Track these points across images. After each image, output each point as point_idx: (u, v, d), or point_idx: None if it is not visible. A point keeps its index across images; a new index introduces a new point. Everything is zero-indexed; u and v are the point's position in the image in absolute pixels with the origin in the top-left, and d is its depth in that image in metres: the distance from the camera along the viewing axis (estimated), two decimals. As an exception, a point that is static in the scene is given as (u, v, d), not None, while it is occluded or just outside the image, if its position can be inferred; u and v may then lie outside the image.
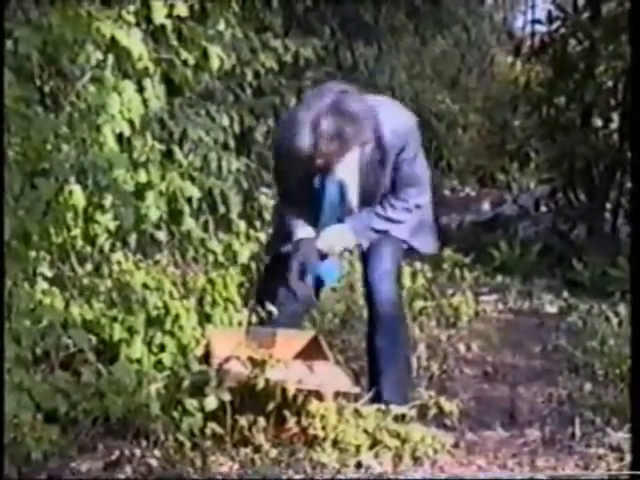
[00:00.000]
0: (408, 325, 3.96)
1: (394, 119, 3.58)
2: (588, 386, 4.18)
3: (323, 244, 3.64)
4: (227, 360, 3.35)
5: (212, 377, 3.23)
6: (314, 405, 3.28)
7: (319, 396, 3.31)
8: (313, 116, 3.35)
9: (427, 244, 3.91)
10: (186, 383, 3.27)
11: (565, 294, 6.41)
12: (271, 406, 3.21)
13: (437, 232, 3.97)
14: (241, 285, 4.18)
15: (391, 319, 3.67)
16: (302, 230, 3.63)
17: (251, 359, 3.28)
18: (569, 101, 8.21)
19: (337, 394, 3.38)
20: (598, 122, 8.10)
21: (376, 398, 3.57)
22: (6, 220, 3.14)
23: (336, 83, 3.60)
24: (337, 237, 3.66)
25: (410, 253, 3.97)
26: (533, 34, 8.68)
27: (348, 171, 3.57)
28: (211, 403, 3.19)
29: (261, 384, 3.20)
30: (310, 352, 3.68)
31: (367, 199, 3.66)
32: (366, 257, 3.75)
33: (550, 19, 8.19)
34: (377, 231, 3.67)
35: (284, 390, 3.20)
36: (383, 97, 3.93)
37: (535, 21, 9.03)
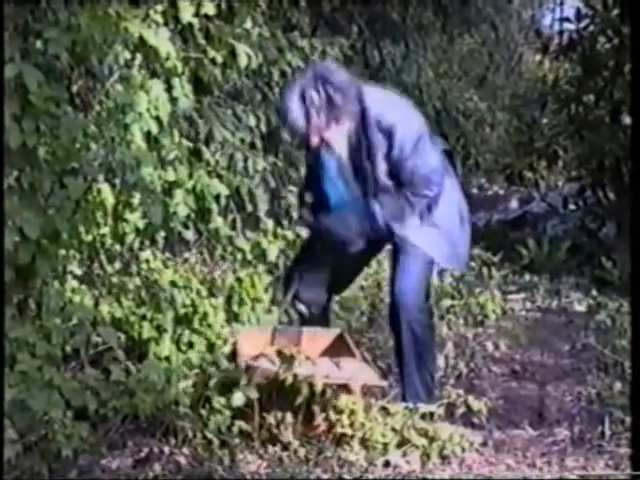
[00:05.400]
0: (435, 331, 3.92)
1: (381, 107, 3.58)
2: (618, 385, 4.13)
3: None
4: (254, 359, 3.36)
5: (240, 375, 3.25)
6: (342, 400, 3.28)
7: (347, 390, 3.31)
8: (300, 89, 3.47)
9: (447, 259, 3.81)
10: (214, 381, 3.28)
11: (594, 292, 6.35)
12: (299, 401, 3.22)
13: (464, 249, 3.84)
14: (269, 284, 4.18)
15: (414, 329, 3.65)
16: None
17: (279, 353, 3.28)
18: (598, 99, 8.16)
19: (365, 388, 3.38)
20: (627, 120, 8.03)
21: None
22: (36, 219, 3.17)
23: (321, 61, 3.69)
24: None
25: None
26: (561, 32, 8.62)
27: (341, 148, 3.61)
28: (238, 399, 3.20)
29: (289, 380, 3.21)
30: (336, 350, 3.68)
31: (358, 183, 3.68)
32: (393, 266, 3.75)
33: (579, 17, 8.16)
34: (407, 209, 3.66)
35: (312, 385, 3.21)
36: (380, 88, 3.92)
37: (563, 19, 8.98)
